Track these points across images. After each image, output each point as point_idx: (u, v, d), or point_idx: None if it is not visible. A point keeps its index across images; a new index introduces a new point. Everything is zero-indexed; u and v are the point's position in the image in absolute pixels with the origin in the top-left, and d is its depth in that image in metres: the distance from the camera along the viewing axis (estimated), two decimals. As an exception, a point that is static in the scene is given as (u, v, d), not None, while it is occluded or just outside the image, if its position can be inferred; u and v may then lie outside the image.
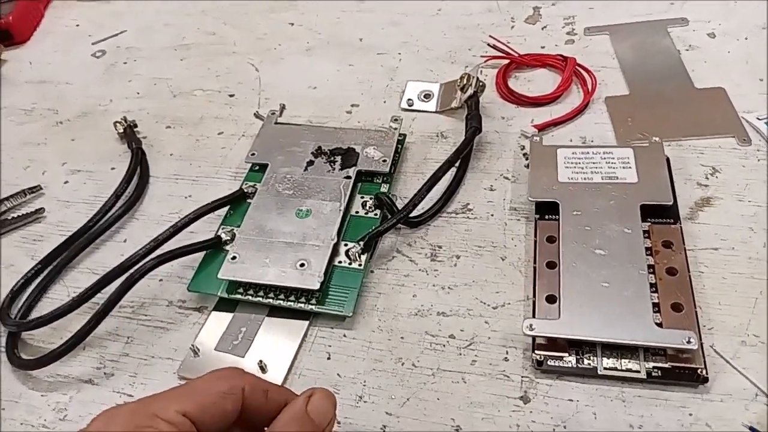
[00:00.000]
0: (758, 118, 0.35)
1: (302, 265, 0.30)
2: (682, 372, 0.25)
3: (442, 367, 0.28)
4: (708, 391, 0.25)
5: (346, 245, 0.32)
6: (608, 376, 0.26)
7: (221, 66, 0.47)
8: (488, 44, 0.42)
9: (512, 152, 0.36)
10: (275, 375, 0.28)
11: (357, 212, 0.34)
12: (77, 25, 0.54)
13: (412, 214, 0.33)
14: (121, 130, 0.41)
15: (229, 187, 0.37)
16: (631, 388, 0.26)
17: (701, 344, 0.26)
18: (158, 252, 0.32)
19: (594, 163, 0.33)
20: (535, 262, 0.30)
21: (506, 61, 0.41)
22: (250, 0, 0.53)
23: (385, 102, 0.41)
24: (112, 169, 0.40)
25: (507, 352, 0.28)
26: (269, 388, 0.22)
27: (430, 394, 0.27)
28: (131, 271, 0.31)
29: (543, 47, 0.42)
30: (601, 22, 0.43)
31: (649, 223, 0.30)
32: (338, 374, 0.28)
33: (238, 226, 0.33)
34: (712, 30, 0.41)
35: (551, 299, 0.28)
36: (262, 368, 0.28)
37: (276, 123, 0.38)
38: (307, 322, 0.30)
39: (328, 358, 0.29)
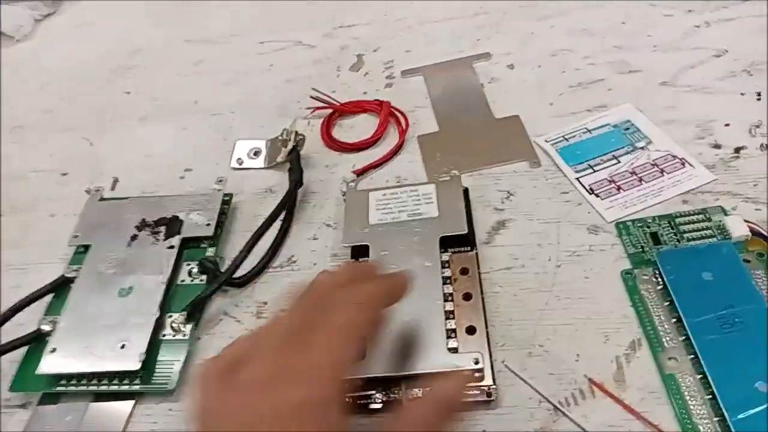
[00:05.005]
0: (546, 141, 0.39)
1: (123, 346, 0.31)
2: (472, 392, 0.28)
3: (264, 424, 0.29)
4: (499, 405, 0.28)
5: (170, 317, 0.33)
6: (413, 407, 0.28)
7: (55, 144, 0.46)
8: (311, 96, 0.44)
9: (335, 199, 0.38)
10: (98, 463, 0.28)
11: (183, 280, 0.34)
12: None
13: (236, 274, 0.34)
14: (-54, 226, 0.40)
15: (59, 272, 0.36)
16: (433, 414, 0.28)
17: (492, 362, 0.29)
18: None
19: (401, 202, 0.35)
20: (349, 306, 0.32)
21: (330, 111, 0.43)
22: (89, 66, 0.53)
23: (217, 163, 0.42)
24: (-62, 270, 0.39)
25: (324, 399, 0.29)
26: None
27: (252, 454, 0.28)
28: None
29: (365, 93, 0.45)
30: (417, 64, 0.47)
31: (450, 253, 0.33)
32: (162, 450, 0.29)
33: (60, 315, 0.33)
34: (511, 62, 0.45)
35: (362, 340, 0.30)
36: (84, 458, 0.28)
37: (101, 199, 0.38)
38: (132, 402, 0.30)
39: (154, 435, 0.29)
